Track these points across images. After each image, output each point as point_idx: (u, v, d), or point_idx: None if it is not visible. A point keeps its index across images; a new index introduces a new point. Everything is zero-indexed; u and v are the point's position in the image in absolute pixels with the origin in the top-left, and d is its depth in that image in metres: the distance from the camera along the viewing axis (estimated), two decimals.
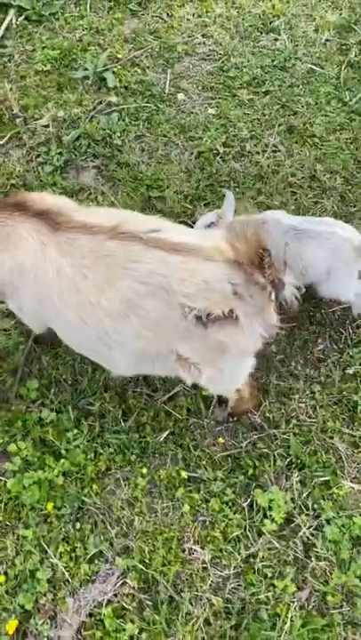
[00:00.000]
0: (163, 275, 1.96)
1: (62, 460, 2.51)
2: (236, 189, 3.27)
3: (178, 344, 2.09)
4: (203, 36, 3.99)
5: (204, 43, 3.97)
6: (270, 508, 2.41)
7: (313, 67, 3.80)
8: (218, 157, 3.41)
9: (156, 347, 2.12)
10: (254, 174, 3.33)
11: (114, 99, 3.65)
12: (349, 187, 3.27)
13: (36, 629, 2.19)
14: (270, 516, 2.40)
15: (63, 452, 2.53)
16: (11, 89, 3.64)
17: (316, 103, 3.63)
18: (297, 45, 3.91)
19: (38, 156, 3.42)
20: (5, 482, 2.46)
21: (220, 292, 1.95)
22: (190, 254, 1.97)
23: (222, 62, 3.85)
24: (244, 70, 3.80)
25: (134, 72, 3.80)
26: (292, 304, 2.13)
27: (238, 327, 2.00)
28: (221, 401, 2.65)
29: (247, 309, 1.99)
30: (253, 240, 1.94)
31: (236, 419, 2.66)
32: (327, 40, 3.93)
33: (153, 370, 2.33)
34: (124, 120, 3.56)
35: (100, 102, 3.64)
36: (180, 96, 3.69)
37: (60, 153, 3.41)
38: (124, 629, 2.19)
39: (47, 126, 3.52)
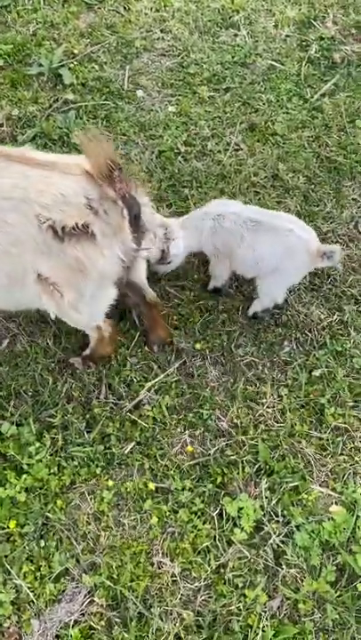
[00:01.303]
0: (23, 187, 2.00)
1: (24, 476, 2.42)
2: (199, 189, 3.20)
3: (38, 261, 2.10)
4: (161, 31, 3.90)
5: (162, 38, 3.87)
6: (240, 517, 2.37)
7: (273, 63, 3.75)
8: (179, 157, 3.34)
9: (22, 266, 2.12)
10: (217, 174, 3.27)
11: (71, 96, 3.53)
12: (312, 186, 3.24)
13: None
14: (240, 524, 2.36)
15: (25, 466, 2.44)
16: None
17: (278, 100, 3.59)
18: (257, 41, 3.85)
19: None
20: None
21: (76, 205, 2.00)
22: (51, 168, 2.04)
23: (182, 58, 3.77)
24: (204, 66, 3.73)
25: (91, 68, 3.68)
26: (146, 231, 2.21)
27: (96, 246, 2.05)
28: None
29: (103, 228, 2.04)
30: (104, 153, 1.97)
31: (92, 365, 2.67)
32: (287, 36, 3.89)
33: (21, 298, 2.30)
34: (81, 118, 3.45)
35: (57, 100, 3.52)
36: (140, 93, 3.60)
37: None
38: None
39: (1, 125, 3.38)
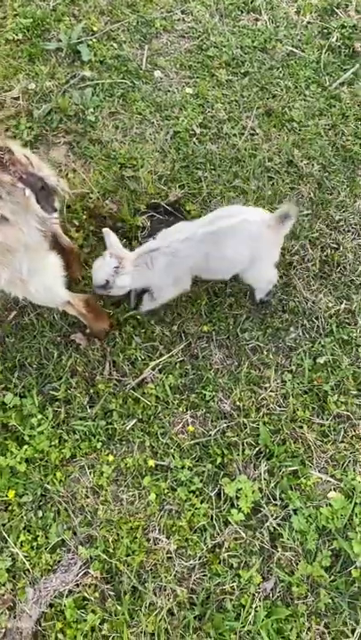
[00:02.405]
0: None
1: (25, 447, 2.43)
2: (213, 172, 3.18)
3: None
4: (182, 12, 3.86)
5: (183, 19, 3.84)
6: (238, 498, 2.38)
7: (293, 49, 3.71)
8: (194, 138, 3.32)
9: None
10: (231, 157, 3.25)
11: (88, 73, 3.51)
12: (326, 174, 3.22)
13: None
14: (238, 505, 2.37)
15: (26, 437, 2.45)
16: None
17: (296, 87, 3.56)
18: (278, 27, 3.81)
19: (7, 129, 3.26)
20: None
21: None
22: None
23: (201, 40, 3.73)
24: (224, 50, 3.69)
25: (110, 46, 3.66)
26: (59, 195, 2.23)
27: (12, 225, 2.05)
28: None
29: (12, 208, 2.03)
30: None
31: (96, 341, 2.69)
32: (309, 23, 3.84)
33: None
34: (98, 96, 3.43)
35: (74, 76, 3.49)
36: (157, 73, 3.57)
37: (31, 127, 3.27)
38: (85, 620, 2.14)
39: (17, 99, 3.36)
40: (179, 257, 2.48)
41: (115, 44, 3.67)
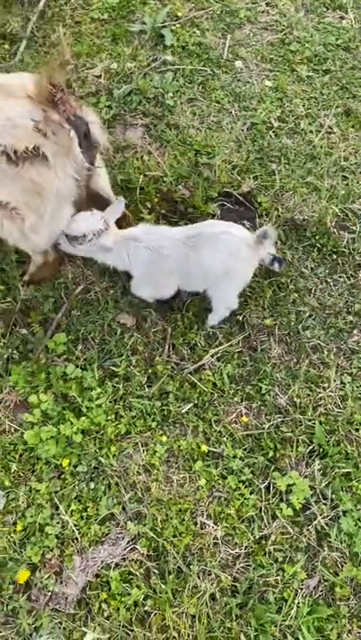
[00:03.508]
0: None
1: (82, 418, 2.46)
2: (287, 166, 3.17)
3: None
4: (267, 4, 3.84)
5: (267, 11, 3.81)
6: (289, 492, 2.37)
7: None
8: (270, 131, 3.30)
9: None
10: (306, 153, 3.22)
11: (170, 57, 3.52)
12: None
13: (41, 583, 2.17)
14: (288, 500, 2.36)
15: (84, 409, 2.48)
16: (65, 34, 3.51)
17: None
18: None
19: (86, 106, 3.29)
20: (23, 433, 2.42)
21: (23, 127, 2.01)
22: None
23: (284, 34, 3.71)
24: (306, 45, 3.66)
25: (193, 33, 3.66)
26: (100, 147, 2.24)
27: (49, 167, 2.06)
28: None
29: (54, 149, 2.05)
30: (46, 77, 1.97)
31: (31, 283, 2.72)
32: None
33: None
34: (178, 81, 3.43)
35: (155, 59, 3.51)
36: (238, 64, 3.56)
37: (109, 106, 3.30)
38: (129, 594, 2.16)
39: (99, 77, 3.39)
40: (162, 255, 2.45)
41: (198, 31, 3.68)
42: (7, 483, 2.32)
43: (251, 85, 3.48)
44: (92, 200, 2.54)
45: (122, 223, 2.62)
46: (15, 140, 2.00)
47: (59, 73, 2.00)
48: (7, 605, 2.13)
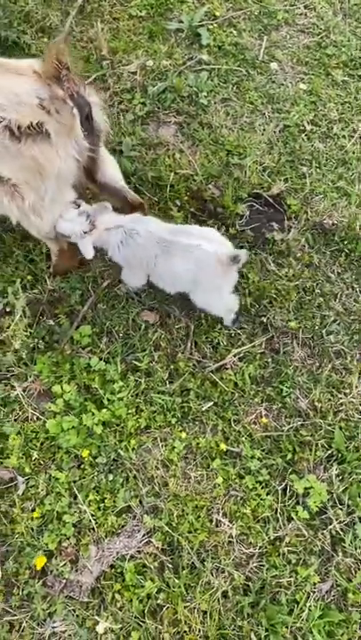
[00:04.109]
0: None
1: (104, 410, 2.49)
2: (318, 170, 3.16)
3: None
4: (305, 7, 3.83)
5: (305, 14, 3.81)
6: (306, 495, 2.37)
7: None
8: (303, 134, 3.30)
9: None
10: (338, 158, 3.22)
11: (205, 57, 3.53)
12: None
13: (57, 570, 2.20)
14: (304, 503, 2.37)
15: (106, 402, 2.51)
16: (102, 29, 3.54)
17: None
18: None
19: (121, 102, 3.33)
20: (45, 421, 2.45)
21: (29, 105, 2.04)
22: (4, 70, 2.10)
23: (321, 38, 3.70)
24: (343, 50, 3.65)
25: (230, 33, 3.67)
26: (99, 130, 2.26)
27: (51, 145, 2.09)
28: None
29: (57, 127, 2.08)
30: (53, 54, 2.00)
31: (57, 277, 2.75)
32: None
33: None
34: (212, 80, 3.45)
35: (191, 58, 3.52)
36: (273, 65, 3.56)
37: (144, 103, 3.32)
38: (142, 586, 2.19)
39: (134, 73, 3.42)
40: (134, 239, 2.48)
41: (235, 32, 3.68)
42: (27, 469, 2.36)
43: (285, 88, 3.48)
44: (104, 192, 2.59)
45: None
46: (20, 116, 2.04)
47: (65, 52, 2.04)
48: (23, 590, 2.16)
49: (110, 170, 2.58)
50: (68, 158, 2.17)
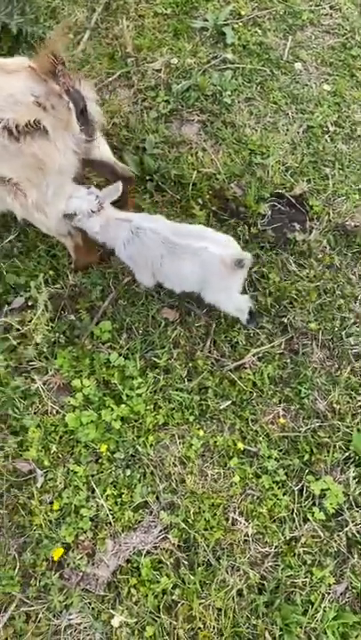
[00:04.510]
0: None
1: (122, 406, 2.50)
2: (340, 171, 3.15)
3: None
4: (331, 7, 3.82)
5: (330, 15, 3.79)
6: (322, 497, 2.38)
7: None
8: (326, 135, 3.29)
9: None
10: None
11: (230, 56, 3.53)
12: None
13: (74, 563, 2.22)
14: (321, 504, 2.37)
15: (124, 397, 2.52)
16: (127, 26, 3.55)
17: None
18: None
19: (145, 99, 3.34)
20: (64, 415, 2.47)
21: (25, 103, 2.07)
22: None
23: (346, 39, 3.68)
24: None
25: (255, 32, 3.66)
26: (96, 123, 2.30)
27: (50, 141, 2.12)
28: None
29: (54, 122, 2.10)
30: (48, 49, 2.02)
31: (78, 271, 2.77)
32: None
33: None
34: (236, 79, 3.44)
35: (216, 57, 3.52)
36: (298, 66, 3.55)
37: (167, 101, 3.33)
38: (158, 582, 2.20)
39: (159, 71, 3.42)
40: (139, 238, 2.47)
41: (259, 31, 3.68)
42: (46, 462, 2.38)
43: (309, 88, 3.47)
44: (99, 168, 2.62)
45: (126, 207, 2.70)
46: (17, 116, 2.06)
47: (60, 47, 2.08)
48: (40, 581, 2.18)
49: (102, 149, 2.59)
50: (67, 152, 2.21)
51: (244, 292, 2.68)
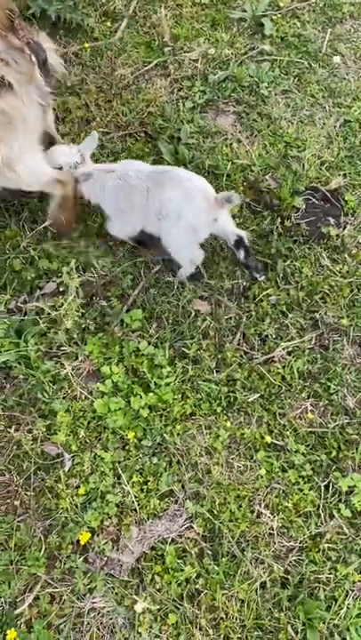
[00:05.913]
0: None
1: (150, 394, 2.50)
2: None
3: None
4: None
5: None
6: (349, 494, 2.35)
7: None
8: None
9: None
10: None
11: (268, 47, 3.50)
12: None
13: (99, 547, 2.23)
14: (348, 501, 2.35)
15: (153, 386, 2.52)
16: (165, 15, 3.53)
17: None
18: None
19: (181, 89, 3.32)
20: (93, 401, 2.48)
21: None
22: None
23: None
24: None
25: (293, 24, 3.62)
26: (57, 73, 2.38)
27: (16, 95, 2.13)
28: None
29: (17, 77, 2.12)
30: (3, 5, 2.04)
31: (61, 235, 2.77)
32: None
33: None
34: (274, 71, 3.41)
35: (253, 48, 3.49)
36: (336, 59, 3.51)
37: (204, 91, 3.31)
38: (182, 570, 2.20)
39: (196, 61, 3.41)
40: (127, 182, 2.56)
41: (298, 23, 3.64)
42: (74, 447, 2.39)
43: (347, 82, 3.43)
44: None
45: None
46: None
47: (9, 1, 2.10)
48: (65, 564, 2.20)
49: (49, 118, 2.61)
50: (33, 104, 2.23)
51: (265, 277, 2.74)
